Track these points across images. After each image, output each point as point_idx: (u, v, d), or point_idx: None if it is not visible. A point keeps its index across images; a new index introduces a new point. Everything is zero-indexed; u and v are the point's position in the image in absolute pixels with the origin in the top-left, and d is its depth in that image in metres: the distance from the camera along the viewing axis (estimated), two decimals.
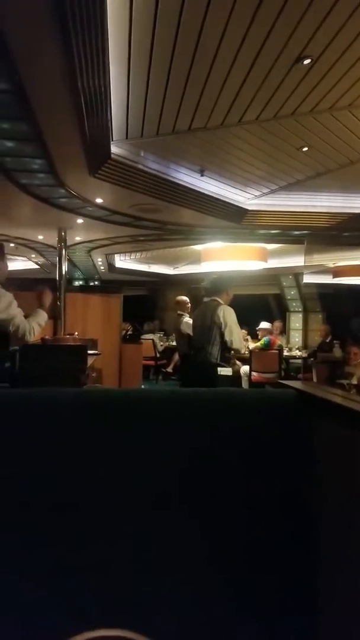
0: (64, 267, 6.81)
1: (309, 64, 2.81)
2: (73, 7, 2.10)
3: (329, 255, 8.11)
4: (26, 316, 2.86)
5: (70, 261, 9.01)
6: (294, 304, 11.00)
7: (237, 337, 4.36)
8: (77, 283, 12.01)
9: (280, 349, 7.49)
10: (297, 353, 8.71)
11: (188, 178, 4.86)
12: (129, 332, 9.46)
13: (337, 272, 8.58)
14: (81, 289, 11.42)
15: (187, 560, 0.85)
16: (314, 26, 2.46)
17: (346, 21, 2.41)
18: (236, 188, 5.28)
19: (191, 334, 5.03)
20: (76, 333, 5.81)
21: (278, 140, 4.04)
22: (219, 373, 4.32)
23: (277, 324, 9.34)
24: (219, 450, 0.90)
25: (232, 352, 4.43)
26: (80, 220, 6.12)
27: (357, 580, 0.77)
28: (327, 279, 8.90)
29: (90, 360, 4.72)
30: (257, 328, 8.22)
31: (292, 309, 11.04)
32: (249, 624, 0.85)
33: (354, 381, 4.46)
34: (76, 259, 9.64)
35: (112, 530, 0.85)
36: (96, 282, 12.27)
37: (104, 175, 4.33)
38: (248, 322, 7.95)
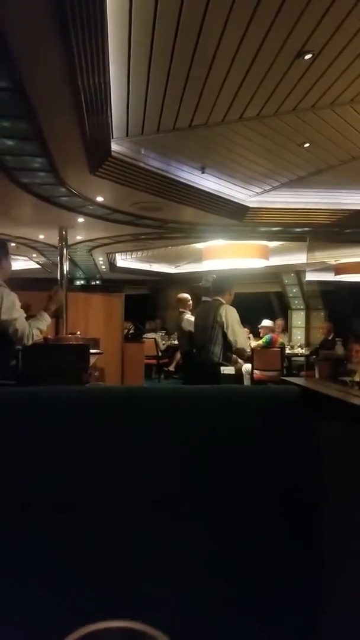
0: (65, 267, 6.80)
1: (309, 59, 2.80)
2: (73, 7, 2.09)
3: (330, 252, 8.10)
4: (29, 316, 2.84)
5: (71, 260, 9.01)
6: (296, 302, 10.99)
7: (240, 337, 4.34)
8: (78, 282, 12.01)
9: (282, 347, 7.48)
10: (299, 351, 8.70)
11: (189, 176, 4.85)
12: (130, 331, 9.46)
13: (339, 269, 8.56)
14: (83, 288, 11.43)
15: (189, 559, 0.85)
16: (315, 21, 2.45)
17: (347, 16, 2.40)
18: (237, 185, 5.27)
19: (192, 330, 5.02)
20: (78, 332, 5.81)
21: (279, 137, 4.03)
22: (221, 372, 4.31)
23: (279, 322, 9.33)
24: (221, 447, 0.89)
25: (237, 352, 4.41)
26: (81, 219, 6.12)
27: (358, 578, 0.76)
28: (329, 277, 8.88)
29: (92, 360, 4.72)
30: (259, 326, 8.21)
31: (294, 307, 11.03)
32: (250, 623, 0.85)
33: (357, 378, 4.45)
34: (77, 259, 9.64)
35: (113, 528, 0.84)
36: (97, 282, 12.27)
37: (104, 174, 4.32)
38: (250, 320, 7.93)
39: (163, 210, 5.59)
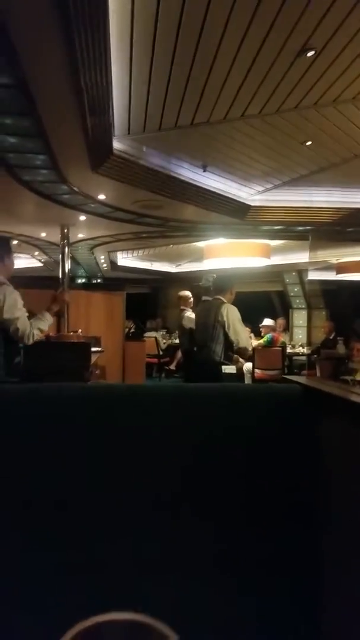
0: (67, 265, 6.81)
1: (311, 57, 2.79)
2: (76, 4, 2.09)
3: (332, 251, 8.08)
4: (31, 314, 2.83)
5: (73, 259, 9.01)
6: (297, 301, 10.98)
7: (243, 335, 4.34)
8: (80, 281, 12.01)
9: (284, 346, 7.48)
10: (300, 350, 8.70)
11: (190, 174, 4.85)
12: (131, 330, 9.46)
13: (340, 268, 8.55)
14: (84, 286, 11.43)
15: (190, 558, 0.85)
16: (317, 19, 2.44)
17: (350, 12, 2.39)
18: (239, 183, 5.26)
19: (193, 327, 5.02)
20: (80, 330, 5.81)
21: (281, 135, 4.02)
22: (223, 371, 4.30)
23: (280, 321, 9.32)
24: (222, 445, 0.89)
25: (238, 351, 4.40)
26: (82, 217, 6.12)
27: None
28: (331, 276, 8.87)
29: (93, 358, 4.72)
30: (260, 325, 8.20)
31: (295, 306, 11.02)
32: (251, 622, 0.85)
33: (358, 377, 4.45)
34: (79, 257, 9.64)
35: (113, 527, 0.84)
36: (99, 280, 12.28)
37: (106, 171, 4.32)
38: (251, 319, 7.93)
39: (164, 209, 5.58)
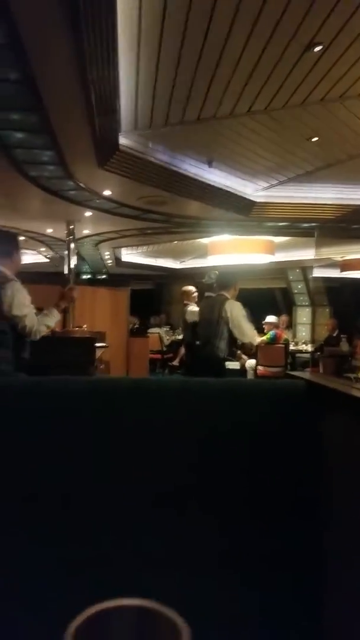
0: (73, 261, 6.82)
1: (319, 51, 2.78)
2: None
3: (337, 248, 8.06)
4: (38, 311, 2.84)
5: (78, 255, 9.03)
6: (301, 298, 10.96)
7: (248, 332, 4.33)
8: (85, 277, 12.03)
9: (287, 343, 7.47)
10: (303, 347, 8.68)
11: (196, 170, 4.84)
12: (136, 326, 9.47)
13: (345, 265, 8.52)
14: (89, 282, 11.44)
15: (192, 553, 0.85)
16: (324, 13, 2.44)
17: (357, 8, 2.39)
18: (244, 179, 5.25)
19: (196, 320, 5.02)
20: (85, 326, 5.83)
21: (287, 131, 4.01)
22: (226, 367, 4.31)
23: (284, 318, 9.30)
24: (226, 440, 0.89)
25: (243, 347, 4.40)
26: (88, 213, 6.13)
27: None
28: (335, 273, 8.84)
29: (98, 353, 4.74)
30: (263, 322, 8.19)
31: (298, 303, 10.99)
32: (253, 617, 0.85)
33: None
34: (84, 253, 9.66)
35: (116, 521, 0.85)
36: (104, 276, 12.29)
37: (112, 167, 4.33)
38: (254, 316, 7.92)
39: (169, 205, 5.58)
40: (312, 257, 8.22)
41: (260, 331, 8.15)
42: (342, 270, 8.58)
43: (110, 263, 10.97)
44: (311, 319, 10.58)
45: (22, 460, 0.85)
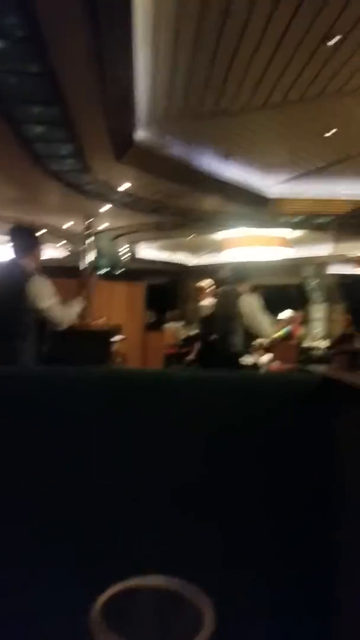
0: (90, 255, 6.89)
1: (336, 43, 2.79)
2: None
3: (353, 244, 8.00)
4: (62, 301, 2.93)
5: (95, 249, 9.12)
6: (315, 295, 10.88)
7: (265, 325, 4.34)
8: (102, 271, 12.10)
9: (301, 340, 7.44)
10: (317, 344, 8.62)
11: (212, 164, 4.87)
12: (151, 321, 9.51)
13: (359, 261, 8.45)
14: (106, 277, 11.52)
15: (204, 550, 0.85)
16: (342, 4, 2.45)
17: None
18: (260, 174, 5.26)
19: (209, 315, 5.04)
20: (103, 319, 5.91)
21: (303, 125, 4.01)
22: (241, 363, 4.33)
23: (298, 314, 9.23)
24: (239, 434, 0.89)
25: (264, 339, 4.40)
26: (105, 208, 6.21)
27: None
28: (349, 269, 8.77)
29: (115, 346, 4.81)
30: (277, 318, 8.16)
31: (313, 300, 10.92)
32: (264, 614, 0.85)
33: None
34: (101, 247, 9.75)
35: (126, 514, 0.85)
36: (120, 271, 12.35)
37: (129, 160, 4.38)
38: (268, 312, 7.90)
39: (185, 199, 5.63)
40: (327, 254, 8.17)
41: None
42: (357, 267, 8.51)
43: (127, 258, 11.05)
44: (325, 315, 10.50)
45: (38, 450, 0.85)
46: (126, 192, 5.45)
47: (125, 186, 5.26)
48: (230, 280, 4.61)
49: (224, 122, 3.95)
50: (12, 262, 2.88)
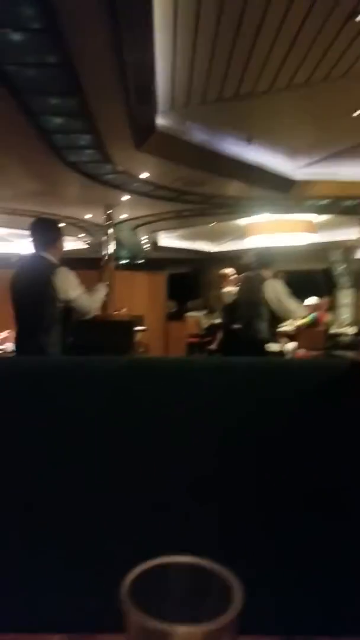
0: (111, 246, 6.90)
1: None
2: None
3: None
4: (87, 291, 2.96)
5: (116, 239, 9.13)
6: (343, 280, 10.65)
7: (292, 306, 4.27)
8: (123, 261, 12.15)
9: (328, 326, 7.31)
10: (345, 330, 8.46)
11: (234, 148, 4.76)
12: (172, 310, 9.52)
13: None
14: (127, 267, 11.56)
15: (226, 543, 0.81)
16: None
17: None
18: (284, 157, 5.12)
19: (232, 302, 4.99)
20: (124, 309, 5.93)
21: (328, 105, 3.86)
22: (267, 349, 4.28)
23: (325, 300, 9.07)
24: (264, 421, 0.86)
25: (291, 325, 4.37)
26: (126, 197, 6.17)
27: None
28: None
29: (137, 336, 4.82)
30: (303, 304, 8.04)
31: (340, 285, 10.69)
32: (270, 612, 0.85)
33: None
34: (122, 238, 9.75)
35: (148, 505, 0.83)
36: (141, 261, 12.37)
37: (149, 148, 4.32)
38: (295, 298, 7.79)
39: (207, 185, 5.53)
40: (355, 238, 7.96)
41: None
42: None
43: (148, 247, 11.02)
44: (353, 300, 10.29)
45: (55, 440, 0.84)
46: (146, 181, 5.39)
47: (145, 175, 5.19)
48: (254, 265, 4.53)
49: (246, 105, 3.84)
50: (36, 255, 2.90)
